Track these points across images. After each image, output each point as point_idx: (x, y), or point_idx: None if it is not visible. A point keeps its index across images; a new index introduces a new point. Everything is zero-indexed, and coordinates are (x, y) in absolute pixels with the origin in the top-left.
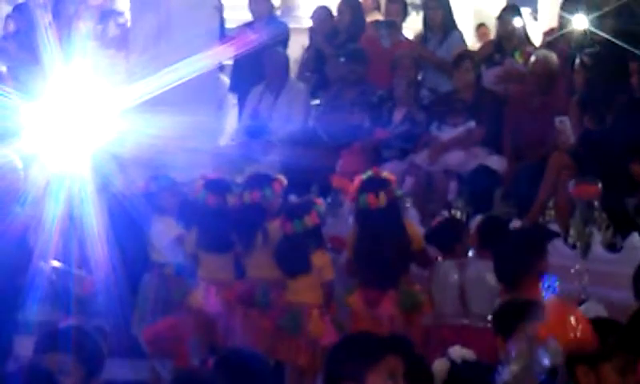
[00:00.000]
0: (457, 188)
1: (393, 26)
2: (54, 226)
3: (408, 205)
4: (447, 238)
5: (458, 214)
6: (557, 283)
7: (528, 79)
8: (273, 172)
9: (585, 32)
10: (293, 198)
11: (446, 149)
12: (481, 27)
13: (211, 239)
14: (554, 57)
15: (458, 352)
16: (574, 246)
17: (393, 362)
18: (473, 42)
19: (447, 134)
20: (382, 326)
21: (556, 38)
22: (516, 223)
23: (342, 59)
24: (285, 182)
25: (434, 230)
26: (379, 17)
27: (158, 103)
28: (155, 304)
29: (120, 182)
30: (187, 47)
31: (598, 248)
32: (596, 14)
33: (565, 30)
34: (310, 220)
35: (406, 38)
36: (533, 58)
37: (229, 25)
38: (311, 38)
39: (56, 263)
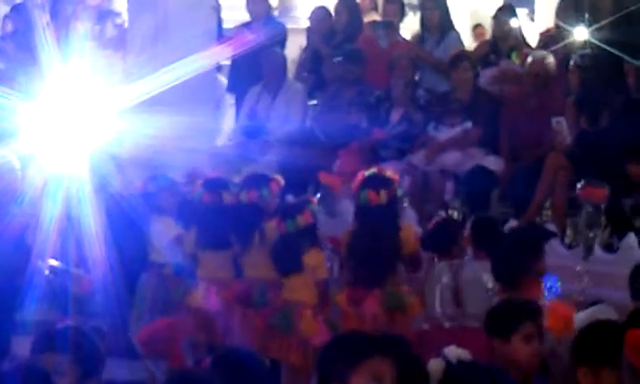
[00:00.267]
0: (453, 188)
1: (390, 26)
2: (51, 226)
3: (405, 205)
4: (443, 239)
5: (455, 215)
6: (559, 284)
7: (525, 80)
8: (270, 172)
9: (580, 36)
10: (290, 198)
11: (443, 149)
12: (477, 28)
13: (209, 237)
14: (551, 58)
15: (453, 352)
16: (570, 246)
17: (378, 363)
18: (469, 43)
19: (444, 134)
20: (366, 325)
21: (551, 39)
22: (513, 224)
23: (339, 59)
24: (282, 182)
25: (430, 233)
26: (377, 17)
27: (155, 103)
28: (153, 304)
29: (118, 182)
30: (185, 47)
31: (595, 249)
32: (591, 20)
33: (561, 34)
34: (302, 219)
35: (404, 39)
36: (530, 59)
37: (226, 25)
38: (309, 39)
39: (54, 262)
